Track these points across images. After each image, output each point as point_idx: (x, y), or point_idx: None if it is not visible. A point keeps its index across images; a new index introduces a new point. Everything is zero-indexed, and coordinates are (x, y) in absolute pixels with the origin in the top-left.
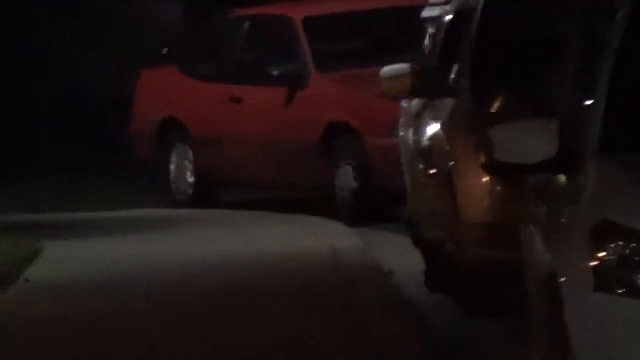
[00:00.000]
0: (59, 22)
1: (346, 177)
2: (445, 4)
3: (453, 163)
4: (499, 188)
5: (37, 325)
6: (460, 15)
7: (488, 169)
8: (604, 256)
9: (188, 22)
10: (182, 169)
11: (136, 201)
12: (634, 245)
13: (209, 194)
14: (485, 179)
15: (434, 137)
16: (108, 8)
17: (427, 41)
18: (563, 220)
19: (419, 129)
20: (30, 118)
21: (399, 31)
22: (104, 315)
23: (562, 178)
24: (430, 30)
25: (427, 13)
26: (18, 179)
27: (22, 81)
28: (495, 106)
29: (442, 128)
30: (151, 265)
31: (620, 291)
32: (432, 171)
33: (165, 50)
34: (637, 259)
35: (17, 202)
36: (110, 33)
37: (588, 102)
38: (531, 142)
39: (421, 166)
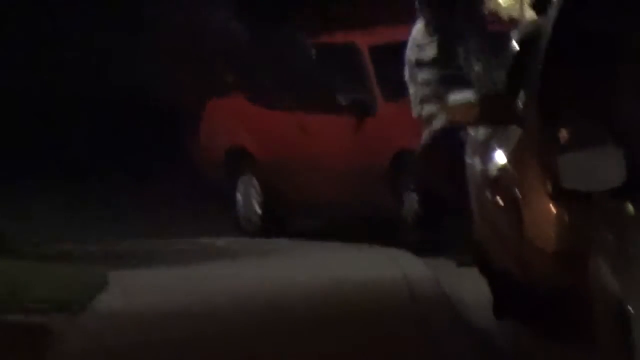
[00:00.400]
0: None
1: (414, 205)
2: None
3: (520, 191)
4: (566, 216)
5: (112, 354)
6: (527, 42)
7: (555, 197)
8: None
9: (255, 49)
10: (249, 198)
11: (202, 229)
12: None
13: (276, 223)
14: (553, 207)
15: (500, 165)
16: (173, 32)
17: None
18: (631, 249)
19: (485, 157)
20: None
21: None
22: (185, 340)
23: (630, 206)
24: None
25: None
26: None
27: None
28: (563, 133)
29: (509, 156)
30: (225, 292)
31: None
32: (499, 199)
33: (229, 77)
34: None
35: (81, 229)
36: (175, 56)
37: None
38: (600, 169)
39: (488, 194)
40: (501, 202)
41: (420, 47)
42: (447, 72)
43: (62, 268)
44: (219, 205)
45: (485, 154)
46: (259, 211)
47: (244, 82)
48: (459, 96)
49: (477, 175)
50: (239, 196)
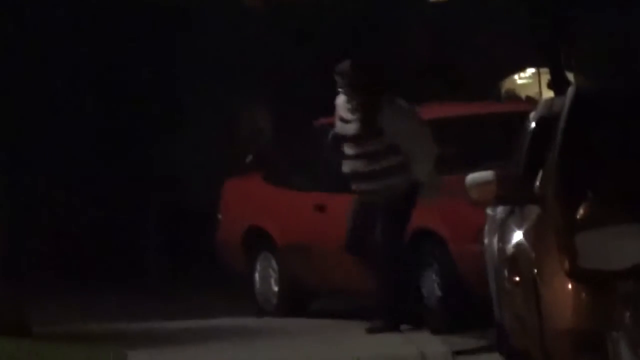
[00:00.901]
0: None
1: (431, 284)
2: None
3: (537, 270)
4: (583, 295)
5: None
6: (544, 122)
7: (572, 275)
8: None
9: (271, 129)
10: (267, 278)
11: (219, 309)
12: None
13: (294, 303)
14: (570, 286)
15: (518, 244)
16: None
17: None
18: None
19: (503, 236)
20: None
21: (484, 138)
22: None
23: None
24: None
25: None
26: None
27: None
28: (581, 212)
29: (526, 235)
30: None
31: None
32: (517, 278)
33: (249, 158)
34: None
35: (96, 310)
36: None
37: None
38: (617, 247)
39: (506, 273)
40: (519, 281)
41: (343, 121)
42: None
43: (83, 348)
44: (236, 286)
45: (503, 233)
46: (277, 290)
47: (260, 162)
48: (478, 175)
49: (494, 254)
50: (256, 276)
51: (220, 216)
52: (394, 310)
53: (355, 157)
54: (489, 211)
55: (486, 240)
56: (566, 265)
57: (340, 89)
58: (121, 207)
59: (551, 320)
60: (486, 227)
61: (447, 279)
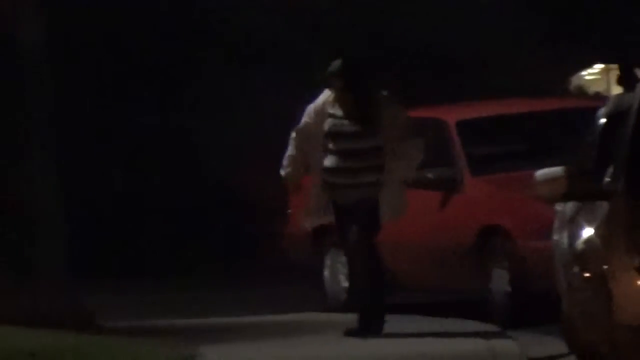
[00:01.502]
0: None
1: (500, 280)
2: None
3: (607, 266)
4: None
5: None
6: (614, 117)
7: None
8: None
9: None
10: (336, 273)
11: (287, 304)
12: None
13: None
14: None
15: (588, 240)
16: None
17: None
18: None
19: (573, 232)
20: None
21: (552, 133)
22: None
23: None
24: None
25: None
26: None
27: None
28: None
29: (596, 231)
30: None
31: None
32: (587, 274)
33: None
34: None
35: (167, 305)
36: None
37: None
38: None
39: (576, 269)
40: (588, 277)
41: (334, 118)
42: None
43: (151, 343)
44: (305, 282)
45: (573, 230)
46: (346, 286)
47: None
48: (547, 172)
49: (564, 251)
50: (326, 272)
51: (290, 211)
52: (369, 312)
53: (342, 153)
54: (558, 207)
55: (555, 236)
56: (636, 261)
57: (332, 89)
58: (180, 201)
59: (621, 316)
60: (555, 223)
61: (516, 275)
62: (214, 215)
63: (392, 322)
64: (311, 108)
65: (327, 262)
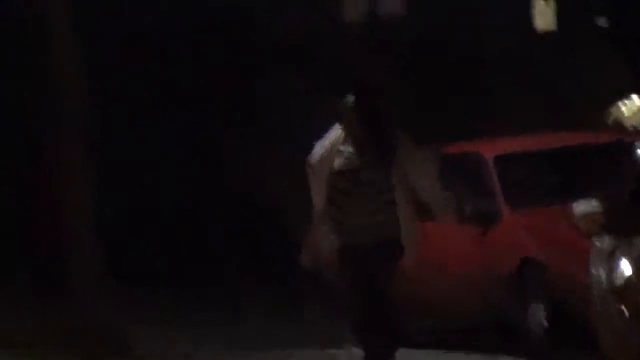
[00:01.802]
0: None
1: (537, 314)
2: None
3: None
4: None
5: None
6: None
7: None
8: None
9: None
10: None
11: (326, 338)
12: None
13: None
14: None
15: (625, 275)
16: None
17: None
18: None
19: (610, 266)
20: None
21: (590, 168)
22: None
23: None
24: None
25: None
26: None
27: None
28: None
29: (634, 266)
30: None
31: None
32: (624, 308)
33: None
34: None
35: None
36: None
37: None
38: None
39: (613, 303)
40: (626, 313)
41: (341, 154)
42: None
43: None
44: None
45: (610, 263)
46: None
47: None
48: (585, 205)
49: (601, 285)
50: None
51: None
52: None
53: (354, 192)
54: (596, 241)
55: (593, 270)
56: None
57: (343, 123)
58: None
59: None
60: (593, 257)
61: (554, 309)
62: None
63: (426, 358)
64: (323, 144)
65: None
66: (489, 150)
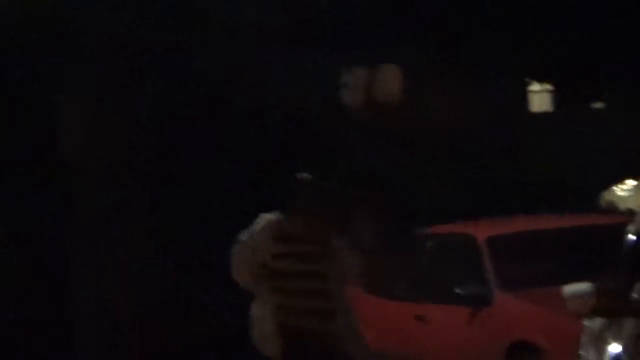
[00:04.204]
0: None
1: None
2: None
3: None
4: None
5: None
6: None
7: None
8: None
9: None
10: None
11: None
12: None
13: None
14: None
15: (615, 357)
16: None
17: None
18: None
19: (601, 349)
20: None
21: (581, 249)
22: None
23: None
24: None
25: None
26: None
27: None
28: None
29: (624, 348)
30: None
31: None
32: None
33: None
34: None
35: None
36: None
37: None
38: None
39: None
40: None
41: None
42: None
43: None
44: None
45: (600, 345)
46: None
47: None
48: (576, 288)
49: None
50: None
51: None
52: None
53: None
54: (586, 322)
55: (583, 352)
56: None
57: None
58: None
59: None
60: (583, 339)
61: None
62: None
63: None
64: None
65: None
66: (481, 231)
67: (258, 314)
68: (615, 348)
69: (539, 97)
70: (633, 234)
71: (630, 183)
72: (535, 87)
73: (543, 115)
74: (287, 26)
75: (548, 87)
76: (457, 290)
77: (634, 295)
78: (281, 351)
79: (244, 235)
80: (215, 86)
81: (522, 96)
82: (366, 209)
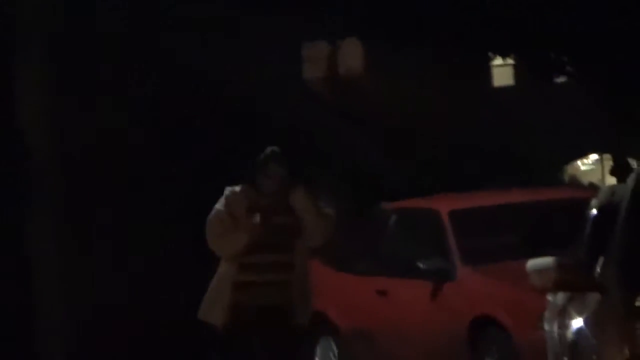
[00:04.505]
0: None
1: None
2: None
3: (597, 357)
4: None
5: None
6: (606, 209)
7: None
8: None
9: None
10: None
11: None
12: None
13: None
14: None
15: (578, 331)
16: None
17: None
18: None
19: (564, 323)
20: None
21: (544, 224)
22: None
23: None
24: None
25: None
26: None
27: None
28: None
29: (587, 322)
30: None
31: None
32: None
33: None
34: None
35: None
36: None
37: None
38: None
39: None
40: None
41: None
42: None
43: None
44: None
45: (563, 320)
46: None
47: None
48: (539, 262)
49: (555, 341)
50: None
51: None
52: None
53: (265, 246)
54: (549, 297)
55: (547, 327)
56: (626, 353)
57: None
58: None
59: None
60: (546, 314)
61: None
62: None
63: None
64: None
65: (318, 351)
66: (444, 206)
67: (216, 286)
68: (578, 323)
69: (502, 71)
70: (596, 209)
71: (593, 157)
72: (498, 61)
73: (506, 89)
74: None
75: (511, 61)
76: (420, 265)
77: (597, 269)
78: (226, 321)
79: (219, 204)
80: (176, 62)
81: (485, 70)
82: (325, 185)
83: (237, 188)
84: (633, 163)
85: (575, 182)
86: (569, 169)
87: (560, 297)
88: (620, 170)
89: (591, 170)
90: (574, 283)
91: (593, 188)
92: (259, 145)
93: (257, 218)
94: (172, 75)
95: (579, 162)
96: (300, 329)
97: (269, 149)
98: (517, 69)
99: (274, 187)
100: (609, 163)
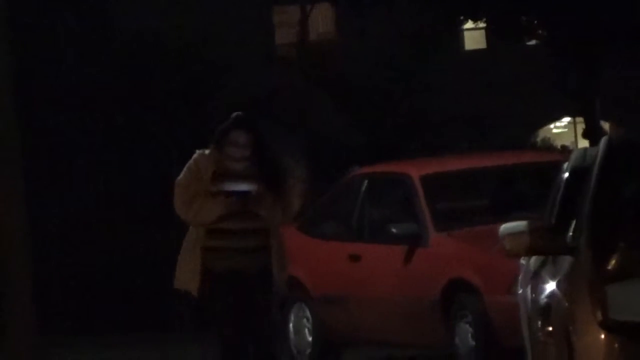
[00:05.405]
0: None
1: (465, 335)
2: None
3: (570, 321)
4: (616, 346)
5: None
6: (578, 172)
7: (604, 326)
8: None
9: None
10: (301, 328)
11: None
12: None
13: (328, 353)
14: (602, 337)
15: (551, 294)
16: None
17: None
18: None
19: (536, 286)
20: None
21: (517, 187)
22: None
23: None
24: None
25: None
26: None
27: None
28: (613, 263)
29: (559, 285)
30: None
31: None
32: (550, 329)
33: None
34: None
35: None
36: None
37: None
38: None
39: (539, 324)
40: (551, 332)
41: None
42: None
43: None
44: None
45: (536, 283)
46: (311, 341)
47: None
48: (511, 226)
49: (527, 304)
50: (290, 326)
51: None
52: None
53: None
54: (522, 261)
55: (520, 291)
56: (599, 316)
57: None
58: None
59: None
60: (519, 278)
61: (481, 329)
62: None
63: None
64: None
65: (292, 317)
66: (415, 170)
67: (186, 253)
68: (551, 286)
69: (473, 34)
70: (568, 172)
71: (565, 120)
72: (469, 24)
73: (476, 53)
74: None
75: (481, 24)
76: (393, 230)
77: (569, 233)
78: (198, 287)
79: (188, 166)
80: (137, 26)
81: (456, 34)
82: (296, 150)
83: (207, 151)
84: (605, 126)
85: (547, 145)
86: (541, 132)
87: (533, 261)
88: (592, 133)
89: (564, 133)
90: (547, 247)
91: (565, 151)
92: (229, 113)
93: (224, 186)
94: (136, 39)
95: (551, 126)
96: (275, 295)
97: (233, 115)
98: (488, 33)
99: (238, 153)
100: (581, 126)
